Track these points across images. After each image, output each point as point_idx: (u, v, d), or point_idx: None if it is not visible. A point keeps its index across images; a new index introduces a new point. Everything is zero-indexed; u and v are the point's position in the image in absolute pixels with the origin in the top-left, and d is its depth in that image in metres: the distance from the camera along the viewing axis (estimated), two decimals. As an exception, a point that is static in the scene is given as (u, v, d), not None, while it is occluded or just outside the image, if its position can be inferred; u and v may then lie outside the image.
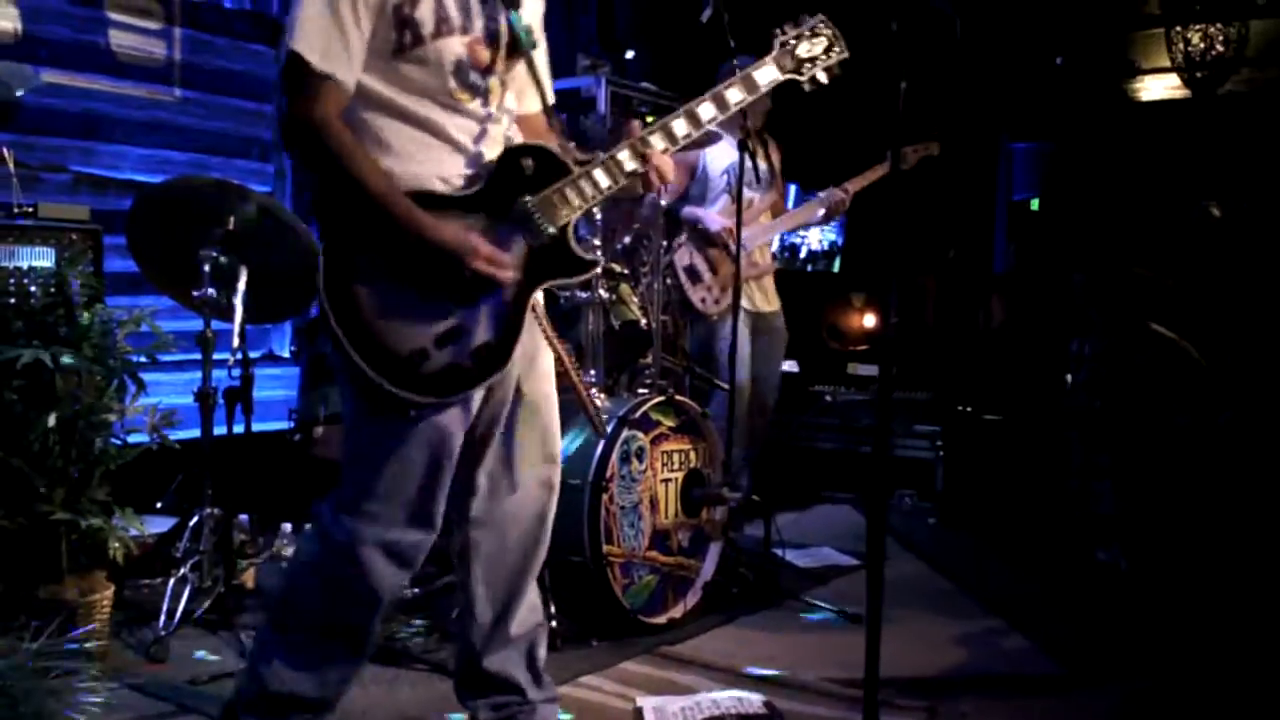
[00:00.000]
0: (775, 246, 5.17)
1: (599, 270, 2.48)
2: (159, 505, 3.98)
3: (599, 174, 2.30)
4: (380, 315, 2.13)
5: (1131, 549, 4.48)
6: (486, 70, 2.24)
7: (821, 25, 2.52)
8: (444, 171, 2.22)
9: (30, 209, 3.51)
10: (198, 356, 3.39)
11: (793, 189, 5.90)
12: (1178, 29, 6.86)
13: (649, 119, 5.20)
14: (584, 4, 6.78)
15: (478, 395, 2.27)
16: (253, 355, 3.57)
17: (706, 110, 2.39)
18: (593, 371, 3.73)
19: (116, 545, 3.02)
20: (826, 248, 6.86)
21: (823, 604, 3.86)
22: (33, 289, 3.25)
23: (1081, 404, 4.78)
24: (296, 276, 3.63)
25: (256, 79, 5.03)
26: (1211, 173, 6.45)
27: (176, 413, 3.26)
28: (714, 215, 4.65)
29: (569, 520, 3.38)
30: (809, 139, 5.37)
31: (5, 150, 3.59)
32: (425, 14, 2.16)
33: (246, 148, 5.01)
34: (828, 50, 2.51)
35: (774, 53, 2.49)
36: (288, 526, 3.85)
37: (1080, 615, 3.94)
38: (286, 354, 4.64)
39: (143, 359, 3.19)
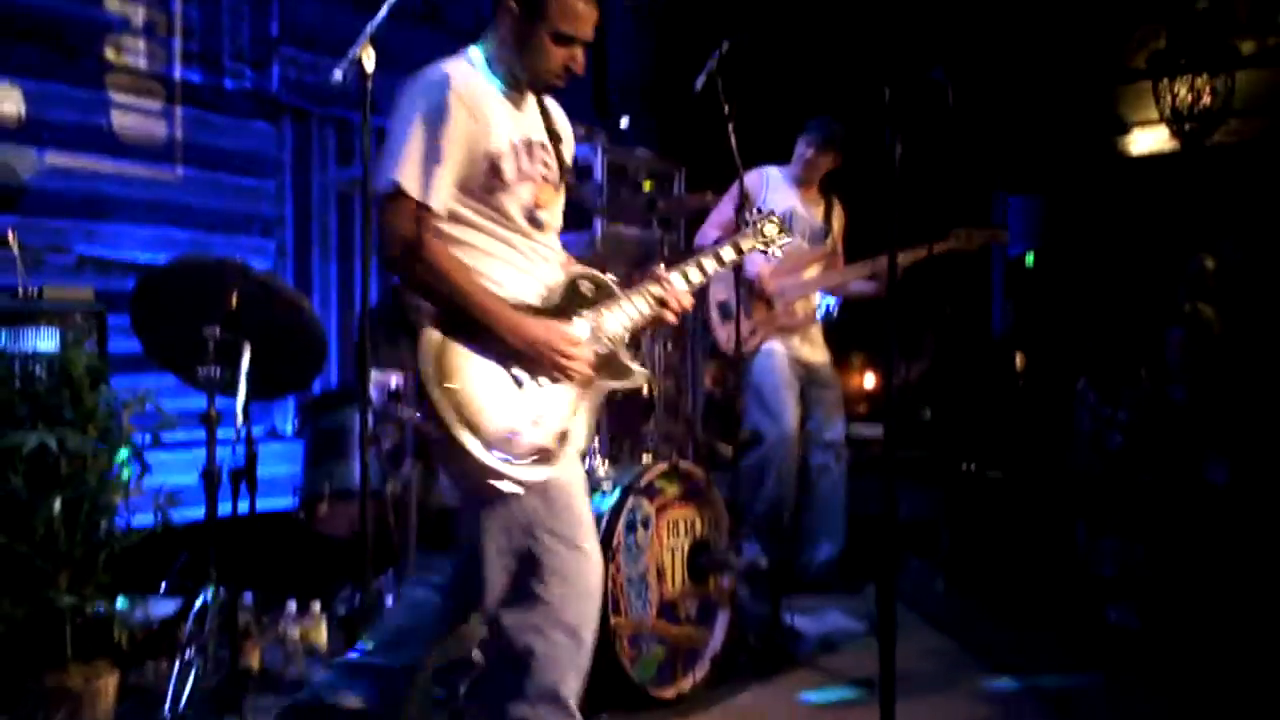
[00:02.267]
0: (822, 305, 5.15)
1: (646, 380, 2.83)
2: (163, 587, 3.95)
3: (641, 300, 2.70)
4: (481, 399, 2.42)
5: (1143, 608, 4.44)
6: (544, 207, 2.62)
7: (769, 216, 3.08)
8: (520, 289, 2.56)
9: (36, 292, 3.53)
10: (202, 435, 3.39)
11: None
12: (1165, 82, 6.94)
13: (647, 185, 5.26)
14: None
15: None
16: (255, 432, 3.57)
17: (709, 264, 2.84)
18: (596, 440, 3.72)
19: (121, 630, 3.00)
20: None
21: (832, 675, 3.81)
22: (38, 372, 3.25)
23: (1084, 464, 4.78)
24: (299, 352, 3.65)
25: (257, 156, 5.08)
26: (1204, 224, 6.50)
27: (178, 493, 3.26)
28: (757, 257, 4.66)
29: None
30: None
31: (10, 233, 3.61)
32: (509, 165, 2.52)
33: (249, 224, 5.05)
34: (780, 232, 3.07)
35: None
36: (292, 605, 3.81)
37: (1094, 678, 3.89)
38: (289, 430, 4.63)
39: (147, 440, 3.19)
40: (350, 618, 3.74)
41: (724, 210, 4.63)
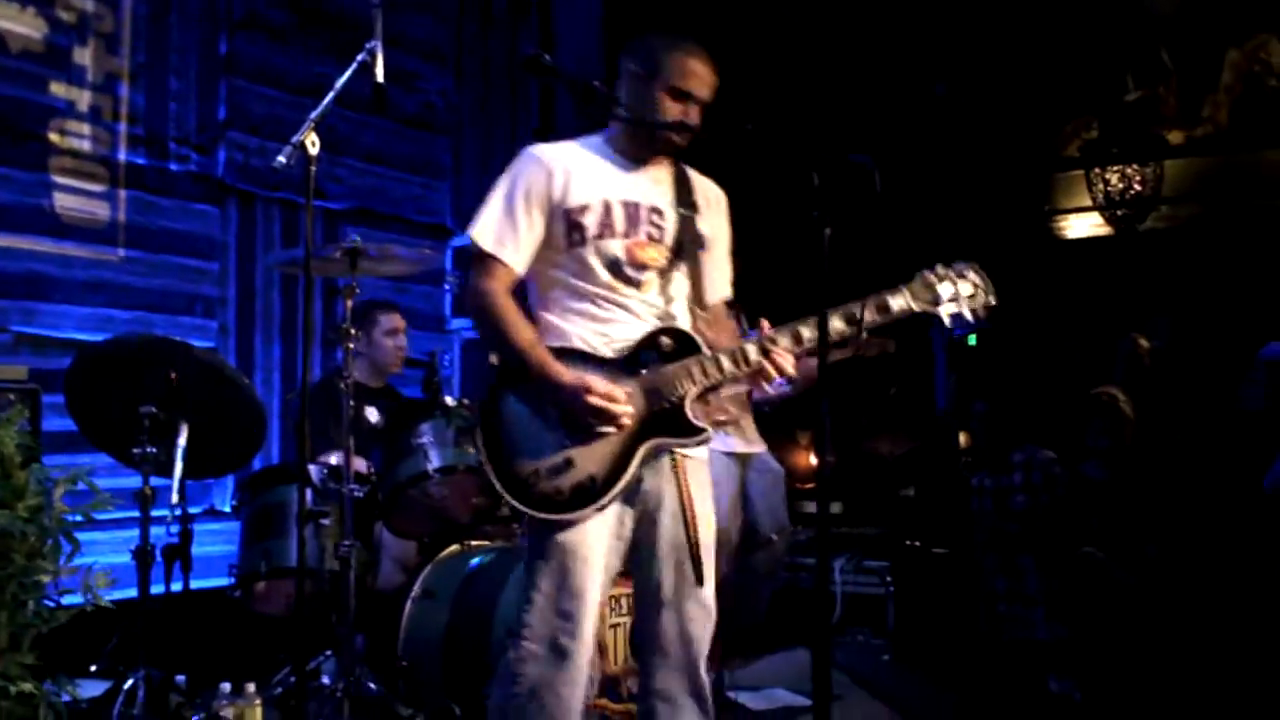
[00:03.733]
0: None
1: (710, 438, 2.73)
2: (93, 668, 3.86)
3: (724, 359, 2.64)
4: (513, 440, 2.58)
5: (1083, 678, 4.47)
6: (643, 266, 2.68)
7: (970, 271, 2.82)
8: (590, 338, 2.65)
9: (-30, 371, 3.51)
10: (136, 514, 3.36)
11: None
12: (1096, 170, 7.17)
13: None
14: (526, 110, 6.93)
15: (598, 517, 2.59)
16: (193, 511, 3.54)
17: (836, 323, 2.67)
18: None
19: (47, 711, 2.92)
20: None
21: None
22: (-32, 450, 3.20)
23: (989, 529, 4.84)
24: (239, 431, 3.64)
25: (202, 238, 5.09)
26: (1136, 305, 6.67)
27: (111, 572, 3.20)
28: None
29: (515, 669, 3.33)
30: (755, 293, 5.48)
31: (-56, 313, 3.60)
32: (591, 220, 2.64)
33: (190, 304, 5.04)
34: (972, 295, 2.81)
35: (914, 283, 2.79)
36: (226, 686, 3.73)
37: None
38: (228, 509, 4.58)
39: (78, 518, 3.14)
40: (286, 699, 3.67)
41: None
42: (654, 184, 2.75)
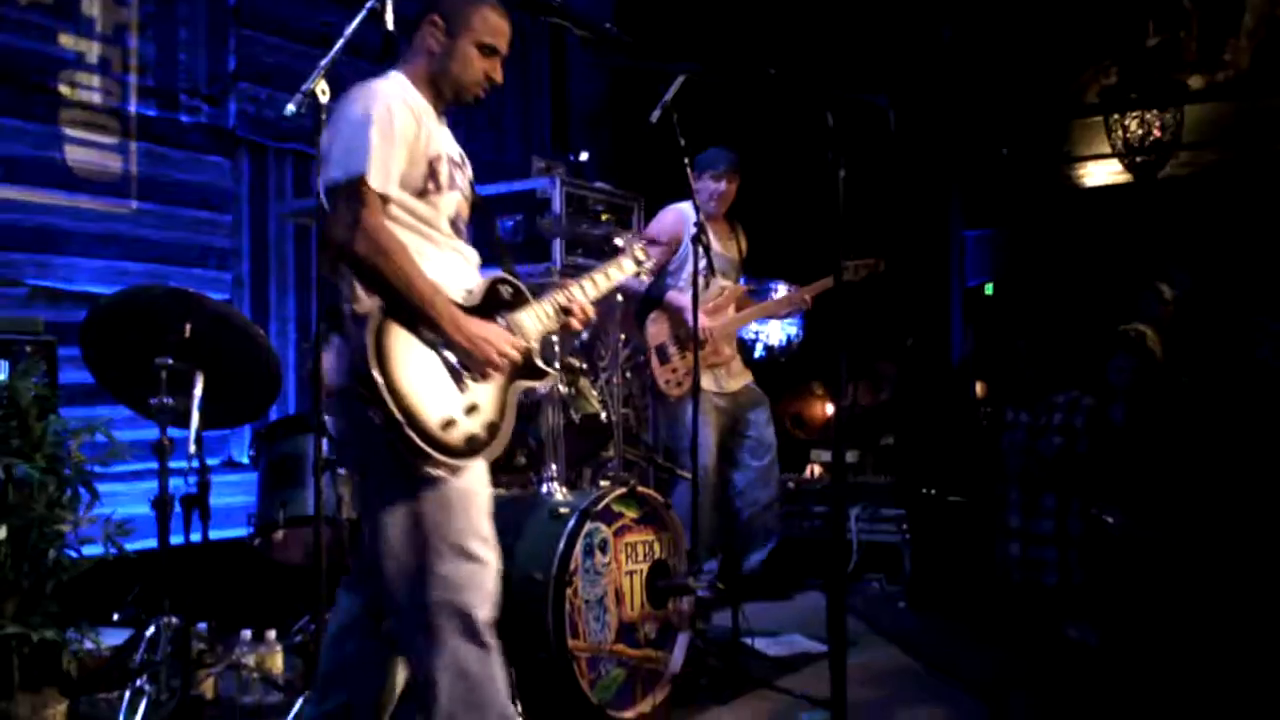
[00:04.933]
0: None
1: (554, 379, 2.95)
2: (116, 617, 3.90)
3: (550, 308, 2.85)
4: (419, 386, 2.51)
5: (1100, 623, 4.47)
6: (461, 219, 2.79)
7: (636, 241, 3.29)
8: (445, 284, 2.63)
9: (-15, 323, 3.51)
10: (155, 465, 3.37)
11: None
12: (1116, 117, 7.08)
13: (604, 217, 5.32)
14: (539, 108, 6.93)
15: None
16: (211, 462, 3.56)
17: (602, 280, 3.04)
18: (554, 466, 3.73)
19: (70, 659, 2.96)
20: (784, 343, 6.90)
21: (792, 692, 3.81)
22: (-14, 402, 3.22)
23: (1018, 467, 4.82)
24: (254, 382, 3.64)
25: (213, 189, 5.06)
26: (1155, 253, 6.61)
27: (131, 522, 3.23)
28: (683, 300, 4.76)
29: (532, 615, 3.35)
30: (763, 228, 5.48)
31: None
32: (443, 170, 2.69)
33: (204, 257, 5.03)
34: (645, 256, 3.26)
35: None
36: (247, 634, 3.78)
37: (1053, 694, 3.91)
38: (245, 460, 4.60)
39: (97, 469, 3.16)
40: (306, 646, 3.70)
41: (667, 226, 4.95)
42: (451, 137, 2.80)
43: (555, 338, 3.73)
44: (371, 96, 2.58)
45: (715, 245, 4.89)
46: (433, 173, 2.66)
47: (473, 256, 2.82)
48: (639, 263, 3.23)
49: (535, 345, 2.81)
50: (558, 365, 2.98)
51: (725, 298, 5.03)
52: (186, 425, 3.31)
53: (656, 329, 4.96)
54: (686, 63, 3.98)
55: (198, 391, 3.33)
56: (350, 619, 2.78)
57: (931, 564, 5.35)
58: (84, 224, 4.61)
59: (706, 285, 4.59)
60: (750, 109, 6.14)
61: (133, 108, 4.79)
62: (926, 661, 4.34)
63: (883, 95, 2.88)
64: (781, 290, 5.18)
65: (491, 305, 2.75)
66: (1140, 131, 7.06)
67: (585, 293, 2.96)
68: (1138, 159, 7.09)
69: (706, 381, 4.80)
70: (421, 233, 2.66)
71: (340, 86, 2.71)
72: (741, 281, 5.22)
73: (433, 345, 2.57)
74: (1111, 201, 7.25)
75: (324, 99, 2.70)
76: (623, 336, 4.37)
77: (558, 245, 5.13)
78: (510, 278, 2.83)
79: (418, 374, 2.53)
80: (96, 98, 4.66)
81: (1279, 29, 6.89)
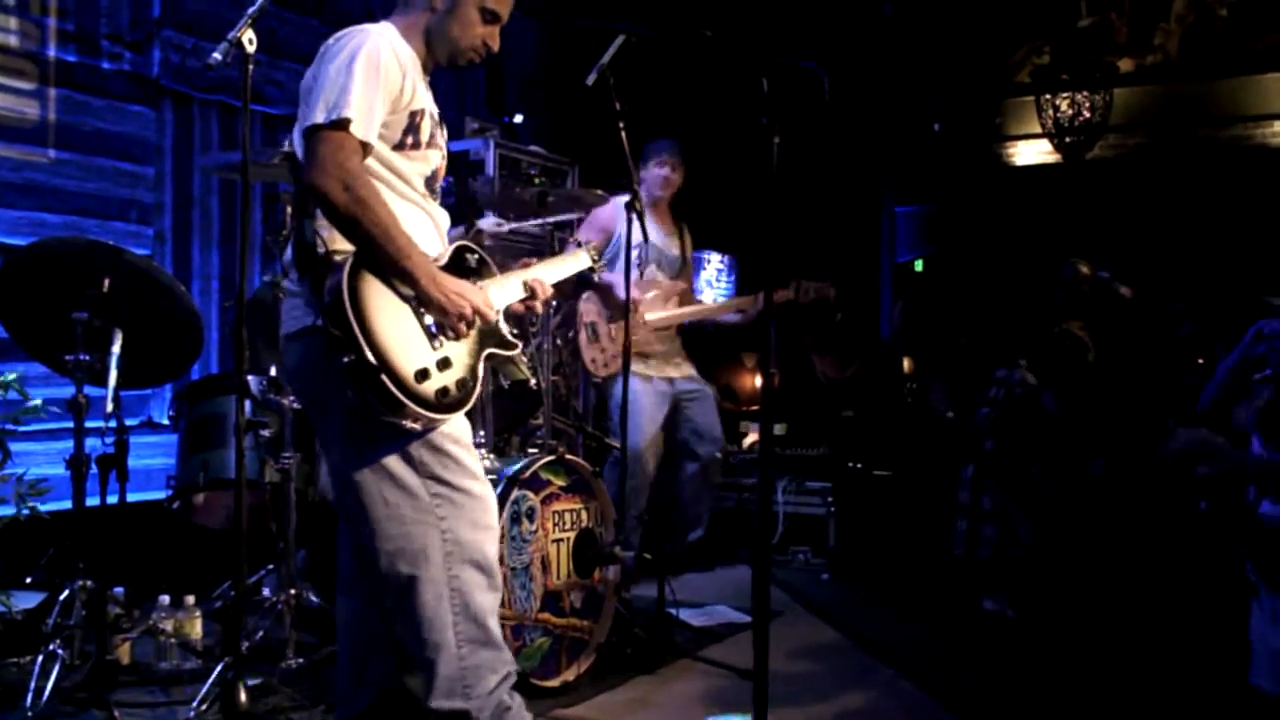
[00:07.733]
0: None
1: (519, 349, 2.89)
2: (29, 580, 3.80)
3: (515, 281, 2.87)
4: (394, 334, 2.48)
5: (1017, 598, 4.56)
6: (438, 179, 2.77)
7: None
8: (419, 243, 2.60)
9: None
10: (70, 424, 3.28)
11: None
12: (1047, 97, 7.16)
13: (537, 180, 5.27)
14: (473, 70, 6.83)
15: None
16: (130, 422, 3.46)
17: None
18: (482, 432, 3.69)
19: (-21, 622, 2.88)
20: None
21: (717, 662, 3.84)
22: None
23: (976, 443, 4.88)
24: (175, 340, 3.56)
25: (136, 140, 4.90)
26: (1082, 232, 6.73)
27: (46, 481, 3.14)
28: (615, 279, 4.72)
29: (458, 583, 3.32)
30: (696, 197, 5.46)
31: None
32: (425, 126, 2.66)
33: (124, 210, 4.87)
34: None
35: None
36: (165, 599, 3.70)
37: (970, 665, 3.99)
38: (165, 420, 4.50)
39: (9, 426, 3.07)
40: (225, 611, 3.64)
41: (599, 219, 4.86)
42: (431, 95, 2.77)
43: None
44: (360, 43, 2.55)
45: (656, 239, 4.86)
46: (413, 126, 2.62)
47: (443, 220, 2.79)
48: (594, 261, 3.32)
49: (501, 315, 2.79)
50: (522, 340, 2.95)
51: (665, 291, 5.00)
52: (104, 383, 3.23)
53: (587, 306, 4.92)
54: (622, 22, 3.93)
55: (116, 349, 3.25)
56: (354, 618, 2.79)
57: (856, 537, 5.42)
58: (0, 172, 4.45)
59: (641, 261, 4.61)
60: (687, 74, 6.11)
61: (51, 52, 4.61)
62: (848, 632, 4.40)
63: (818, 63, 2.87)
64: (713, 260, 5.18)
65: (456, 272, 2.71)
66: (1070, 112, 7.15)
67: (545, 277, 2.97)
68: (1067, 139, 7.18)
69: (638, 366, 4.78)
70: (395, 188, 2.62)
71: (271, 41, 2.64)
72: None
73: (406, 300, 2.53)
74: (1040, 181, 7.36)
75: (250, 48, 2.62)
76: (554, 303, 4.33)
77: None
78: (475, 245, 2.81)
79: (392, 323, 2.49)
80: (13, 40, 4.48)
81: (1208, 15, 7.02)
